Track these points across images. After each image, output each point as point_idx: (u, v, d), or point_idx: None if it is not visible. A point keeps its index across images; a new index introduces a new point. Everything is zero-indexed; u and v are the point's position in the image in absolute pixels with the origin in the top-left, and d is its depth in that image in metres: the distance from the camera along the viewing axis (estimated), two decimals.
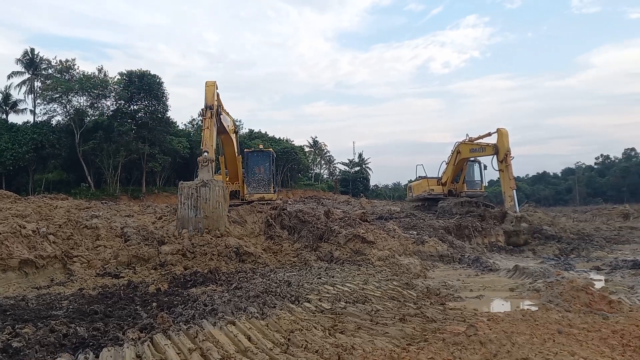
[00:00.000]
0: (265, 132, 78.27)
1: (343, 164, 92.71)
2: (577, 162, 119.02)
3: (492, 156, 24.32)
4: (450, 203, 26.91)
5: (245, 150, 23.86)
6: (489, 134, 24.85)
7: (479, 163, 29.85)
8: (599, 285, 10.50)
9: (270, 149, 25.12)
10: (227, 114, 17.98)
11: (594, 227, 27.29)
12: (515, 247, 20.60)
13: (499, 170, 23.53)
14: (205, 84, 15.90)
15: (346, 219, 18.73)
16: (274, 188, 22.55)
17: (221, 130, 16.77)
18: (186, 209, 11.35)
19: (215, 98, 15.47)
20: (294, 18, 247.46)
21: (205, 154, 13.54)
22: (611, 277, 12.14)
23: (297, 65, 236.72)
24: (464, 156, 27.51)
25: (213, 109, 14.78)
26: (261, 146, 26.97)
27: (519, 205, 24.10)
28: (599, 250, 19.11)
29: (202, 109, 15.21)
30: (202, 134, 14.47)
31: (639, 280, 11.46)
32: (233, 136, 18.74)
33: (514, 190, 22.87)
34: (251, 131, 75.78)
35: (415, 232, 19.35)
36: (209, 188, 11.36)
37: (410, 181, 36.10)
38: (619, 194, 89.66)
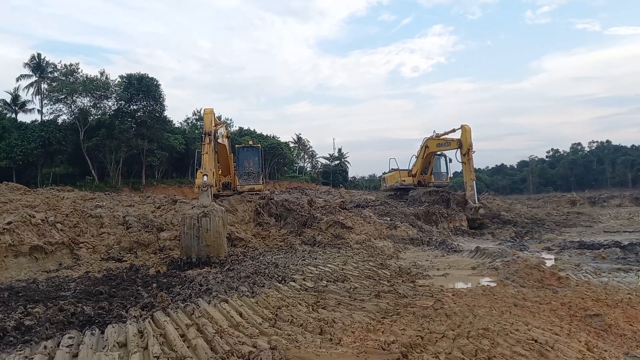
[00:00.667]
0: (254, 129, 77.77)
1: (324, 158, 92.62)
2: (531, 156, 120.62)
3: (456, 150, 24.52)
4: (420, 192, 27.11)
5: (237, 145, 23.67)
6: (454, 130, 25.04)
7: (445, 157, 30.06)
8: (549, 263, 10.69)
9: (259, 145, 24.96)
10: (221, 124, 17.94)
11: (545, 212, 27.77)
12: (473, 228, 21.06)
13: (462, 162, 23.74)
14: (204, 111, 15.70)
15: (327, 207, 18.77)
16: (262, 180, 22.45)
17: (220, 142, 16.86)
18: (189, 238, 11.16)
19: (214, 124, 15.37)
20: (279, 27, 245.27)
21: (205, 177, 13.37)
22: (560, 257, 12.37)
23: (282, 70, 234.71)
24: (432, 150, 27.68)
25: (211, 135, 14.73)
26: (251, 142, 26.78)
27: (478, 194, 24.35)
28: (550, 233, 19.46)
29: (202, 134, 15.18)
30: (202, 159, 14.43)
31: (584, 259, 11.70)
32: (226, 140, 18.76)
33: (474, 181, 23.14)
34: (241, 129, 75.13)
35: (388, 218, 19.47)
36: (210, 219, 11.12)
37: (384, 173, 36.24)
38: (567, 183, 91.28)
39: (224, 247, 11.62)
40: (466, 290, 7.69)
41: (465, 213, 22.03)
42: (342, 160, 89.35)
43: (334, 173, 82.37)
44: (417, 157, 29.73)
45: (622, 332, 5.55)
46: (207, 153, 14.29)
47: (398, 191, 31.26)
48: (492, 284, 8.42)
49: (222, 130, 17.24)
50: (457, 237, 18.27)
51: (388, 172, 34.03)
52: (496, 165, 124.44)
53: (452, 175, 32.11)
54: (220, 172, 21.68)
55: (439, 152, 29.35)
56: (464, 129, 23.79)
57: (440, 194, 25.24)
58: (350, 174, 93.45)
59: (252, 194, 19.89)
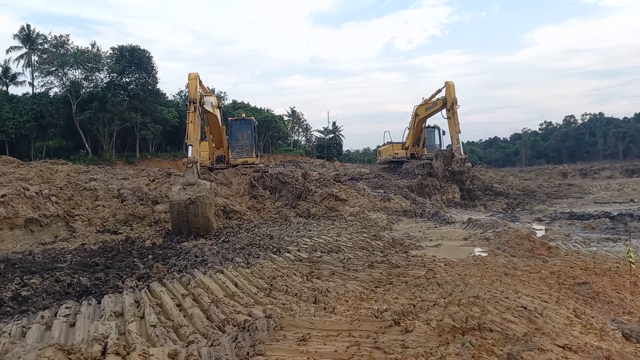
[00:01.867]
0: (248, 102, 76.96)
1: (318, 131, 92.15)
2: (524, 128, 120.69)
3: (442, 109, 24.29)
4: (413, 165, 27.12)
5: (229, 118, 23.46)
6: (439, 90, 24.83)
7: (438, 129, 29.96)
8: (540, 234, 10.79)
9: (252, 118, 24.75)
10: (210, 94, 17.39)
11: (537, 184, 27.94)
12: (460, 183, 21.66)
13: (447, 118, 23.56)
14: (188, 77, 14.78)
15: (321, 179, 18.79)
16: (256, 153, 22.36)
17: (206, 110, 16.21)
18: (178, 223, 11.22)
19: (199, 90, 14.62)
20: None
21: (190, 147, 12.66)
22: (550, 227, 12.48)
23: (275, 42, 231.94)
24: (422, 116, 27.37)
25: (196, 103, 13.95)
26: (244, 115, 26.49)
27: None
28: (541, 204, 19.61)
29: (187, 101, 14.26)
30: (187, 128, 13.59)
31: (573, 229, 11.83)
32: (217, 111, 18.29)
33: (459, 134, 23.17)
34: (234, 102, 74.28)
35: (382, 191, 19.53)
36: (197, 205, 11.04)
37: (379, 146, 36.15)
38: (559, 155, 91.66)
39: (213, 225, 11.64)
40: (458, 260, 7.77)
41: (452, 166, 22.15)
42: (337, 133, 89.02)
43: (329, 146, 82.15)
44: (409, 129, 29.57)
45: (610, 299, 5.65)
46: (191, 122, 13.56)
47: (392, 164, 31.27)
48: (484, 254, 8.51)
49: (211, 100, 16.77)
50: (450, 209, 18.38)
51: (383, 146, 33.95)
52: (489, 138, 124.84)
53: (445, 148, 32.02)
54: (213, 145, 21.57)
55: (432, 125, 29.26)
56: (448, 85, 23.74)
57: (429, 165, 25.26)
58: (345, 148, 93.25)
59: (247, 167, 19.84)
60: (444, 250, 9.65)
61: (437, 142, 30.54)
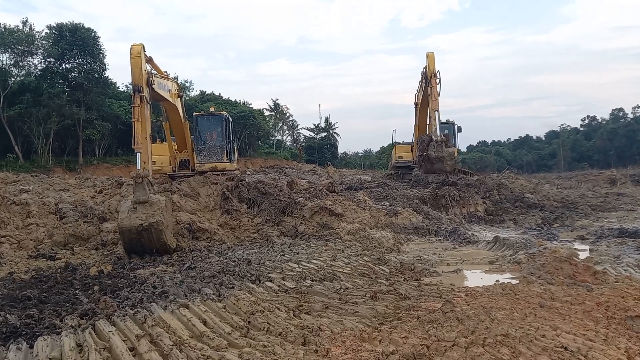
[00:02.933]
0: (219, 93, 77.15)
1: (308, 129, 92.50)
2: (562, 125, 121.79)
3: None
4: None
5: (195, 113, 23.46)
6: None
7: (453, 125, 30.27)
8: (583, 255, 10.85)
9: (224, 112, 24.78)
10: (167, 77, 17.03)
11: (579, 194, 28.12)
12: (441, 173, 22.93)
13: (428, 95, 24.33)
14: (130, 52, 13.14)
15: (312, 190, 18.79)
16: (228, 156, 22.35)
17: (159, 97, 15.89)
18: (130, 247, 11.45)
19: (145, 70, 13.42)
20: None
21: (138, 155, 12.13)
22: (596, 247, 12.51)
23: (254, 18, 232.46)
24: (420, 103, 27.86)
25: (143, 92, 12.71)
26: (213, 109, 26.52)
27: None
28: (584, 218, 19.70)
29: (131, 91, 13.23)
30: (133, 128, 12.47)
31: (625, 250, 11.86)
32: (177, 101, 18.13)
33: (437, 112, 23.57)
34: (203, 93, 74.53)
35: (387, 203, 19.56)
36: (151, 232, 11.16)
37: (394, 144, 36.19)
38: (606, 158, 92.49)
39: (172, 245, 11.81)
40: (482, 289, 7.78)
41: (428, 152, 22.85)
42: (330, 132, 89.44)
43: (320, 148, 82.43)
44: (415, 125, 29.81)
45: None
46: (138, 120, 12.49)
47: (398, 170, 31.42)
48: (514, 281, 8.54)
49: (168, 84, 16.47)
50: (472, 225, 18.45)
51: (399, 145, 34.19)
52: (519, 137, 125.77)
53: (461, 149, 32.18)
54: (175, 146, 21.52)
55: (445, 121, 29.58)
56: (428, 56, 24.41)
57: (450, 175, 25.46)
58: (341, 149, 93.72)
59: (217, 174, 19.80)
60: (465, 276, 9.66)
61: (452, 140, 30.79)
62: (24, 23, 46.79)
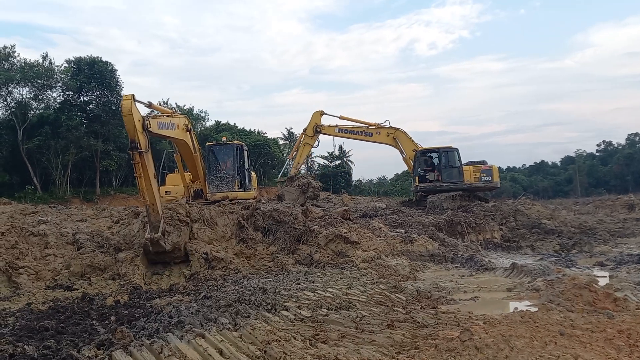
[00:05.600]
0: (234, 123, 77.95)
1: (322, 157, 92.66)
2: (578, 150, 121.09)
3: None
4: (441, 197, 27.24)
5: (207, 144, 23.70)
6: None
7: (457, 151, 30.55)
8: (603, 282, 10.70)
9: (236, 142, 25.00)
10: (173, 114, 17.13)
11: (596, 219, 27.80)
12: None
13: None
14: (121, 110, 12.64)
15: (327, 217, 18.76)
16: (242, 185, 22.44)
17: (162, 137, 16.20)
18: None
19: (139, 120, 12.82)
20: None
21: (147, 209, 12.80)
22: (616, 273, 12.36)
23: (267, 51, 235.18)
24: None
25: (140, 148, 12.42)
26: (225, 138, 26.81)
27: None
28: (603, 244, 19.47)
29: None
30: (137, 183, 12.57)
31: None
32: (187, 135, 18.27)
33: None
34: (218, 123, 75.32)
35: (403, 230, 19.46)
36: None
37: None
38: (623, 183, 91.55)
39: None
40: (500, 317, 7.68)
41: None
42: (345, 160, 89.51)
43: (335, 176, 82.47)
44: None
45: None
46: (140, 176, 12.46)
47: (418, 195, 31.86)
48: (533, 309, 8.42)
49: (174, 122, 16.54)
50: (488, 252, 18.31)
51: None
52: (535, 163, 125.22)
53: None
54: (191, 177, 21.74)
55: (449, 147, 30.52)
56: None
57: (466, 201, 25.45)
58: (355, 177, 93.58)
59: (233, 204, 19.89)
60: (483, 304, 9.55)
61: (457, 164, 30.94)
62: (44, 57, 47.87)
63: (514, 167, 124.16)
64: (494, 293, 10.63)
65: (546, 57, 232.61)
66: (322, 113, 33.55)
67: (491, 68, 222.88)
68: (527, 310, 8.33)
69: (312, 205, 24.40)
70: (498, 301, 9.91)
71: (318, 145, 33.95)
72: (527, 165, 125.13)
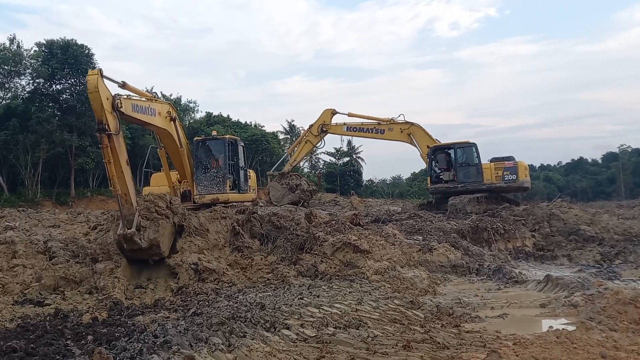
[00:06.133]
0: (228, 115, 78.03)
1: (328, 154, 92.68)
2: (621, 145, 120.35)
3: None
4: (464, 200, 27.18)
5: (195, 138, 23.69)
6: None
7: (475, 146, 30.39)
8: None
9: (228, 136, 25.01)
10: (154, 99, 17.11)
11: None
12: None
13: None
14: (86, 80, 12.69)
15: (333, 223, 18.77)
16: (237, 185, 22.40)
17: (139, 122, 16.05)
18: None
19: (108, 98, 12.84)
20: None
21: (119, 199, 12.79)
22: None
23: (265, 32, 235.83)
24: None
25: (109, 130, 12.45)
26: (215, 132, 26.81)
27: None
28: None
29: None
30: (107, 170, 12.59)
31: None
32: (171, 125, 18.10)
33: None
34: (209, 114, 75.40)
35: (421, 238, 19.45)
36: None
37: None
38: None
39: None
40: (533, 338, 7.68)
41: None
42: (354, 156, 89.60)
43: (343, 175, 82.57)
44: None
45: None
46: (109, 161, 12.46)
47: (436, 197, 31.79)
48: (570, 328, 8.42)
49: (154, 107, 16.45)
50: (519, 262, 18.27)
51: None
52: (572, 160, 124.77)
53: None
54: (178, 176, 21.72)
55: (464, 143, 30.30)
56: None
57: (493, 204, 25.37)
58: (366, 176, 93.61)
59: (226, 207, 19.88)
60: (513, 322, 9.54)
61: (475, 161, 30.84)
62: (11, 40, 47.88)
63: (548, 165, 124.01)
64: (526, 309, 10.61)
65: (585, 38, 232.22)
66: (333, 112, 34.66)
67: (521, 51, 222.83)
68: (563, 329, 8.31)
69: (311, 208, 24.68)
70: (530, 319, 9.89)
71: (323, 145, 36.14)
72: (563, 163, 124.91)
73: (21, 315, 10.50)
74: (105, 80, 12.88)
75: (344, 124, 34.70)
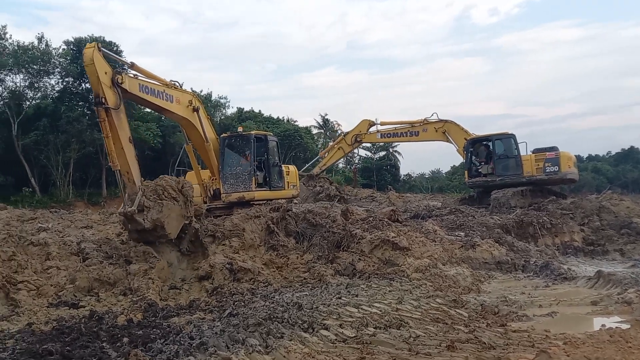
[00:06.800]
0: (259, 110, 78.33)
1: (364, 148, 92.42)
2: None
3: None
4: (507, 194, 26.88)
5: (222, 135, 23.84)
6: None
7: (514, 137, 29.88)
8: None
9: (254, 132, 25.04)
10: (173, 87, 17.31)
11: None
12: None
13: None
14: (83, 59, 13.44)
15: (371, 219, 18.74)
16: (265, 182, 22.42)
17: (151, 105, 16.42)
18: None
19: (107, 72, 13.32)
20: None
21: (117, 174, 13.16)
22: None
23: (294, 24, 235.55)
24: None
25: (106, 103, 12.90)
26: (241, 129, 26.78)
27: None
28: None
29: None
30: (105, 145, 13.25)
31: None
32: (194, 116, 18.17)
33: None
34: (240, 110, 75.73)
35: (462, 233, 19.33)
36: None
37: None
38: None
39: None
40: (584, 337, 7.58)
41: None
42: (391, 150, 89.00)
43: (379, 170, 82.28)
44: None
45: None
46: (107, 136, 13.01)
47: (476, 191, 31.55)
48: (624, 326, 8.30)
49: (171, 94, 16.68)
50: (567, 258, 18.05)
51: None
52: (622, 150, 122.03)
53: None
54: (208, 173, 21.85)
55: (503, 135, 29.97)
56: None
57: (539, 197, 25.03)
58: (403, 171, 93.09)
59: (260, 204, 19.94)
60: (562, 321, 9.43)
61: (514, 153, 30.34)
62: (39, 39, 48.22)
63: (597, 156, 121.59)
64: (576, 307, 10.51)
65: (634, 21, 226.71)
66: (370, 123, 35.99)
67: (565, 37, 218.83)
68: (616, 327, 8.19)
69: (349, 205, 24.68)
70: (581, 317, 9.79)
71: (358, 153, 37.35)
72: (613, 153, 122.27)
73: (56, 317, 10.70)
74: (114, 56, 13.56)
75: (377, 131, 35.94)
